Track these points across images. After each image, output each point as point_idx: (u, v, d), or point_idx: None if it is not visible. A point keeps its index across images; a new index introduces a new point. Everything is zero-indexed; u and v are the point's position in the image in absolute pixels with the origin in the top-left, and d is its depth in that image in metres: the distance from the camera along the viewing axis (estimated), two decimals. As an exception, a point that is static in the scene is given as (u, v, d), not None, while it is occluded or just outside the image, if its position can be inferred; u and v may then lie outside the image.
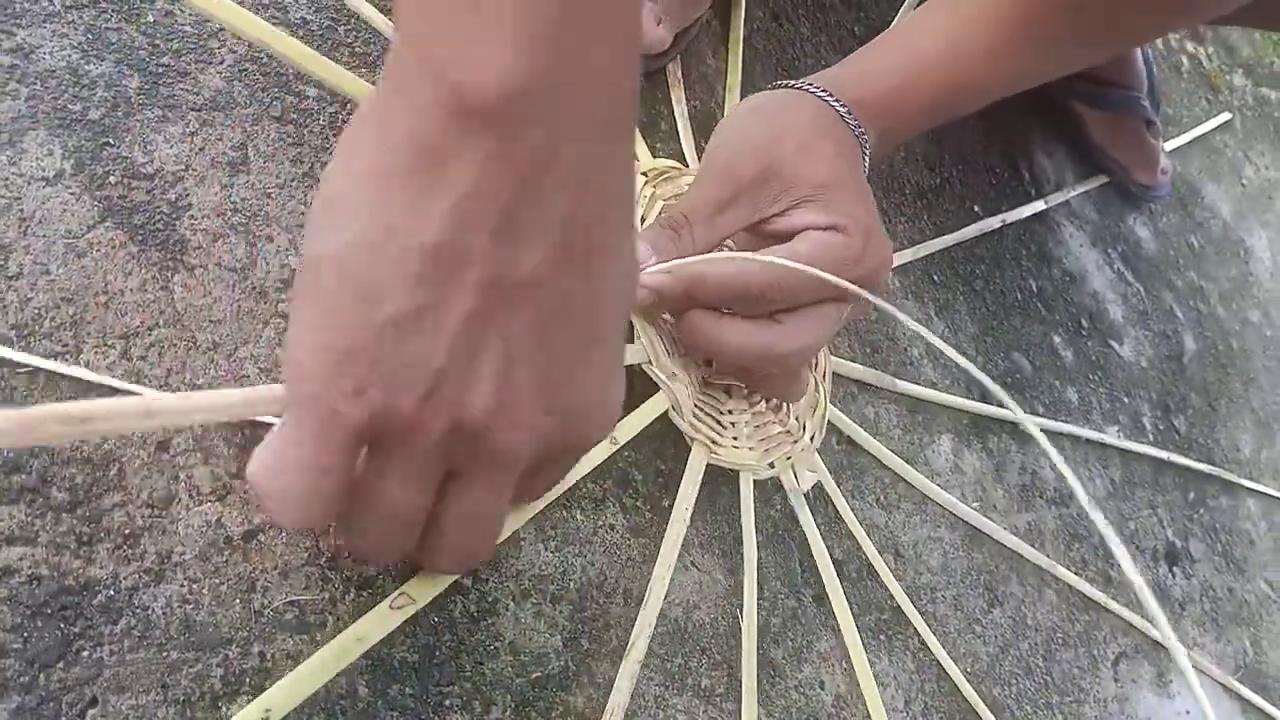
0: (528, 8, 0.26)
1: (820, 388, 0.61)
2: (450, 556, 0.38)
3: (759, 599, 0.54)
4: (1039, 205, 0.91)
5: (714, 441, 0.55)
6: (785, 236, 0.51)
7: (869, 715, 0.56)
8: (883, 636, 0.60)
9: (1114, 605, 0.74)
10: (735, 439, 0.57)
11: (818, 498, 0.60)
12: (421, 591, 0.41)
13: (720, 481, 0.56)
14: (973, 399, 0.73)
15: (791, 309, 0.50)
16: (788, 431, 0.59)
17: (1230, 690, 0.81)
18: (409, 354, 0.30)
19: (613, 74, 0.30)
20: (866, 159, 0.55)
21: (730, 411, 0.57)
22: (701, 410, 0.56)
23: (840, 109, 0.53)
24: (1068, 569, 0.73)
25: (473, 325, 0.30)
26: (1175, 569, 0.84)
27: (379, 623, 0.39)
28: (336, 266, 0.30)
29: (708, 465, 0.55)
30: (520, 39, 0.26)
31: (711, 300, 0.50)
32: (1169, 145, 1.11)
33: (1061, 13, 0.57)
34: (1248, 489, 0.96)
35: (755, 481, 0.57)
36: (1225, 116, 1.25)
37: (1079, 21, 0.58)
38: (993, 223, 0.84)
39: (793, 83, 0.55)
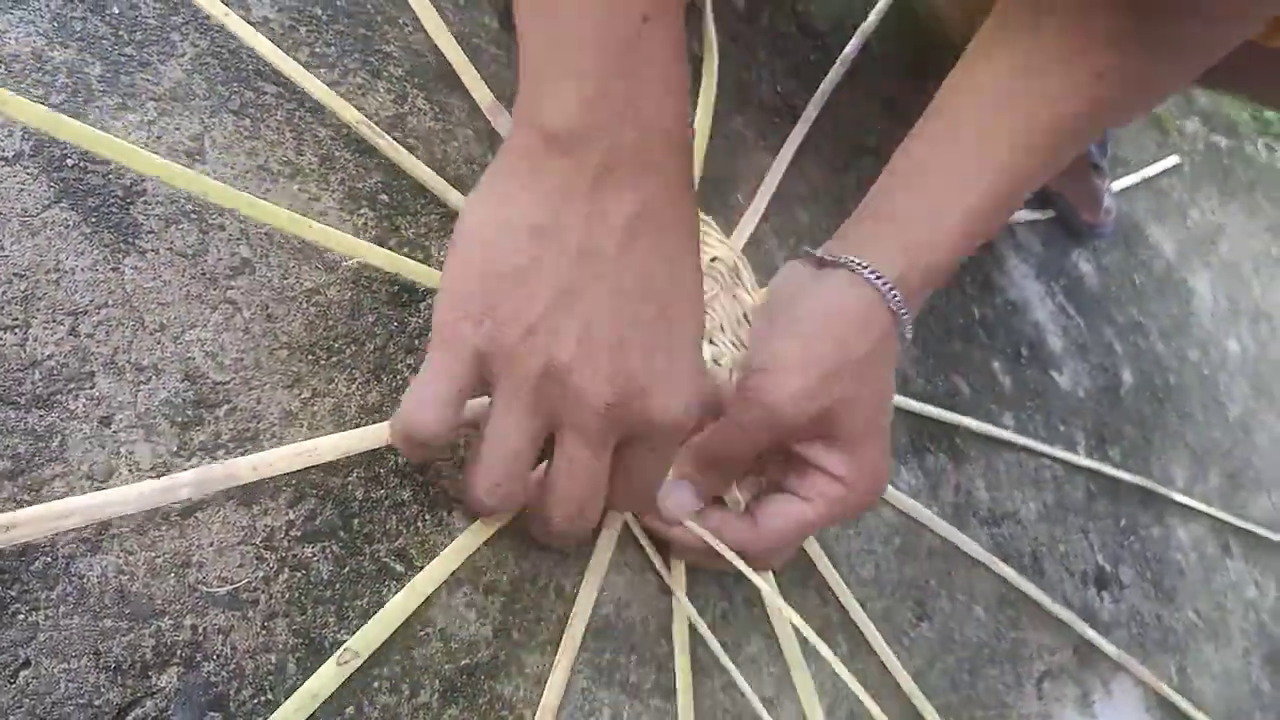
0: (578, 79, 0.40)
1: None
2: (561, 509, 0.45)
3: (690, 599, 0.56)
4: (987, 235, 0.93)
5: None
6: (794, 461, 0.53)
7: (802, 716, 0.57)
8: (809, 644, 0.61)
9: (1046, 602, 0.77)
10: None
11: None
12: (366, 644, 0.42)
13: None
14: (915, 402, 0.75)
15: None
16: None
17: (1152, 710, 0.84)
18: (514, 302, 0.40)
19: (651, 120, 0.41)
20: (907, 336, 0.54)
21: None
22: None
23: (888, 292, 0.52)
24: (998, 584, 0.75)
25: (562, 287, 0.40)
26: (1104, 593, 0.87)
27: (330, 679, 0.41)
28: (469, 238, 0.41)
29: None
30: (580, 97, 0.40)
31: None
32: (1117, 185, 1.14)
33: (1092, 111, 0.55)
34: (1179, 508, 0.99)
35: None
36: (1174, 160, 1.30)
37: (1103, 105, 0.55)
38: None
39: (841, 259, 0.53)
